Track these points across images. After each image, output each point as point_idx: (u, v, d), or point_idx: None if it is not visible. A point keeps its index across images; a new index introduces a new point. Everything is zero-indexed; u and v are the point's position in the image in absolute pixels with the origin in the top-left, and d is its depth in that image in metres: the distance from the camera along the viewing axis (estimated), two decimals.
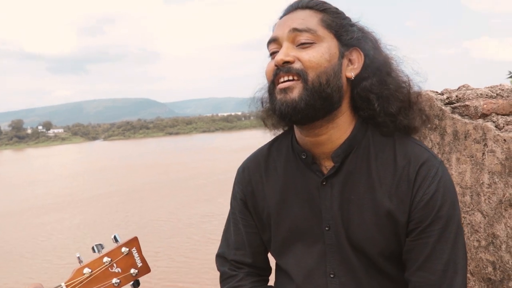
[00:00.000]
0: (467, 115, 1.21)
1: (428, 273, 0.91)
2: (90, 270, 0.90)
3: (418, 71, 0.99)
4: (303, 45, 0.91)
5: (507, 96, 1.19)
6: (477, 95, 1.22)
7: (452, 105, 1.26)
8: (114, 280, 0.93)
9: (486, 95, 1.21)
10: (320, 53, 0.90)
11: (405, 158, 0.94)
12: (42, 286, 0.85)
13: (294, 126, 1.02)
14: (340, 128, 0.97)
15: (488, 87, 1.25)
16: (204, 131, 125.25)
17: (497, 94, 1.20)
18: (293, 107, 0.89)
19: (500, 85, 1.24)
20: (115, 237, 0.98)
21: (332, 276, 0.99)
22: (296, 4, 0.97)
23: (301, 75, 0.89)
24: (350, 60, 0.95)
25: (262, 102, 1.10)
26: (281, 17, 0.99)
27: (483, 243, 1.18)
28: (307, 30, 0.90)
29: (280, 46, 0.93)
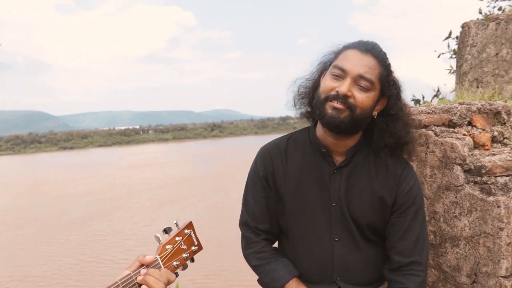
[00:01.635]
0: (413, 126, 1.66)
1: (406, 241, 1.34)
2: (171, 246, 1.16)
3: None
4: (361, 87, 1.27)
5: (439, 113, 1.67)
6: (419, 111, 1.68)
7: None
8: (184, 255, 1.20)
9: (426, 111, 1.67)
10: (369, 99, 1.28)
11: (394, 162, 1.37)
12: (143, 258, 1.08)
13: (320, 128, 1.38)
14: (355, 138, 1.37)
15: (425, 106, 1.73)
16: (100, 145, 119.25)
17: (432, 111, 1.68)
18: (338, 124, 1.27)
19: (433, 105, 1.72)
20: (176, 223, 1.24)
21: (336, 239, 1.37)
22: (370, 48, 1.31)
23: (351, 108, 1.26)
24: (379, 103, 1.34)
25: (299, 99, 1.46)
26: (354, 47, 1.31)
27: (427, 218, 1.63)
28: (368, 81, 1.27)
29: (345, 76, 1.27)
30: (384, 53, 1.33)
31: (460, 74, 2.36)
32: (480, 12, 3.03)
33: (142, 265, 1.07)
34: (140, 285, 1.04)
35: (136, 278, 1.03)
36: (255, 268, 1.48)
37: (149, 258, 1.07)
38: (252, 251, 1.47)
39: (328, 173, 1.38)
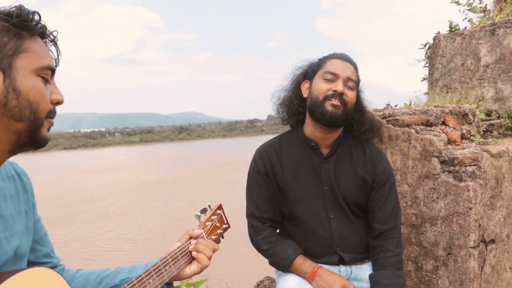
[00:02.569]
0: (397, 125, 1.97)
1: (384, 211, 1.65)
2: (210, 223, 1.41)
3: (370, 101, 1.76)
4: (348, 87, 1.60)
5: (418, 114, 1.98)
6: (402, 113, 1.99)
7: (386, 119, 2.02)
8: (219, 231, 1.45)
9: (407, 113, 1.99)
10: (354, 96, 1.63)
11: (369, 149, 1.68)
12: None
13: (309, 126, 1.68)
14: (338, 132, 1.67)
15: (407, 108, 2.05)
16: (65, 148, 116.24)
17: (413, 113, 1.99)
18: (337, 118, 1.58)
19: (413, 107, 2.04)
20: (209, 205, 1.49)
21: (332, 216, 1.66)
22: (347, 58, 1.67)
23: (345, 103, 1.56)
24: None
25: (282, 107, 1.76)
26: (336, 58, 1.66)
27: (409, 203, 1.94)
28: (354, 81, 1.61)
29: (337, 79, 1.60)
30: (355, 62, 1.69)
31: (432, 80, 2.71)
32: (450, 26, 3.41)
33: (190, 238, 1.32)
34: (190, 252, 1.28)
35: (188, 247, 1.28)
36: (265, 251, 1.73)
37: (197, 231, 1.32)
38: (261, 237, 1.73)
39: (318, 163, 1.68)
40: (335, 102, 1.57)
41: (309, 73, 1.71)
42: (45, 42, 0.97)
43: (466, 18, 3.64)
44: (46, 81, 0.96)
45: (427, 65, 3.49)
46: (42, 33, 0.95)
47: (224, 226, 1.49)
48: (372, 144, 1.75)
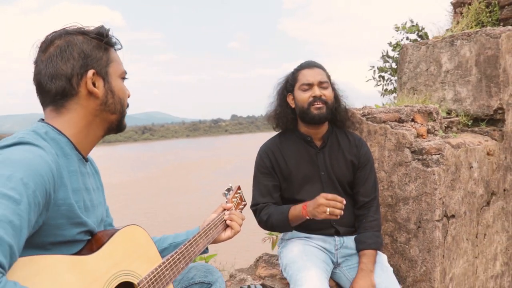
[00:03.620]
0: (375, 122, 2.35)
1: (367, 186, 2.04)
2: (235, 200, 1.74)
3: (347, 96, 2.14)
4: (323, 88, 1.94)
5: (392, 112, 2.37)
6: (379, 111, 2.37)
7: (366, 117, 2.39)
8: (240, 206, 1.78)
9: (383, 111, 2.37)
10: (330, 92, 2.00)
11: (352, 137, 2.06)
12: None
13: (302, 125, 2.04)
14: (325, 127, 2.04)
15: (383, 107, 2.44)
16: None
17: (388, 111, 2.38)
18: (324, 116, 1.96)
19: (388, 106, 2.43)
20: (231, 186, 1.82)
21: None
22: (314, 64, 2.02)
23: (326, 102, 1.92)
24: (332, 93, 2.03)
25: (276, 116, 2.10)
26: (305, 68, 2.02)
27: (386, 186, 2.33)
28: (325, 82, 1.96)
29: (312, 86, 1.95)
30: (321, 64, 2.06)
31: (400, 83, 3.12)
32: (396, 45, 4.01)
33: (224, 210, 1.64)
34: (225, 221, 1.61)
35: (223, 217, 1.60)
36: (267, 220, 2.01)
37: (229, 204, 1.65)
38: (263, 213, 2.06)
39: (314, 154, 2.06)
40: (318, 105, 1.95)
41: (288, 87, 2.08)
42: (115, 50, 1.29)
43: (406, 38, 4.29)
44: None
45: (382, 80, 4.04)
46: (114, 44, 1.27)
47: (243, 203, 1.83)
48: (354, 133, 2.16)
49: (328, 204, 1.74)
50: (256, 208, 2.08)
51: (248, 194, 1.98)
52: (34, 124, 1.18)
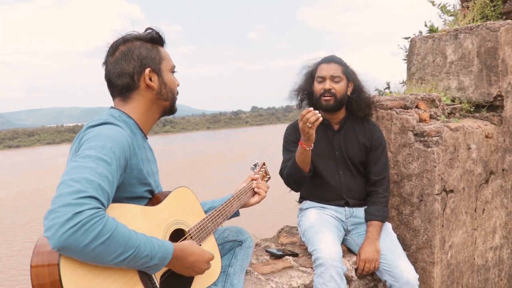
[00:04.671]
0: (382, 108, 2.66)
1: (378, 166, 2.35)
2: (260, 173, 2.09)
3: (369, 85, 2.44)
4: (335, 82, 2.26)
5: (398, 100, 2.68)
6: (386, 99, 2.68)
7: (375, 104, 2.70)
8: (265, 179, 2.13)
9: (390, 99, 2.68)
10: (341, 86, 2.30)
11: (367, 123, 2.37)
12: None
13: (321, 111, 2.36)
14: (342, 113, 2.35)
15: (389, 96, 2.74)
16: (48, 143, 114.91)
17: (394, 99, 2.68)
18: (331, 107, 2.29)
19: (394, 95, 2.74)
20: (257, 162, 2.16)
21: (341, 173, 2.35)
22: (331, 59, 2.34)
23: (334, 95, 2.24)
24: (348, 86, 2.34)
25: (299, 97, 2.43)
26: (323, 62, 2.33)
27: (392, 165, 2.64)
28: (337, 76, 2.27)
29: (324, 79, 2.27)
30: (340, 58, 2.36)
31: (409, 74, 3.41)
32: (425, 25, 4.12)
33: (252, 180, 1.99)
34: (253, 189, 1.96)
35: (252, 185, 1.96)
36: (286, 175, 2.31)
37: (256, 176, 2.00)
38: (283, 173, 2.37)
39: (331, 135, 2.40)
40: (327, 97, 2.29)
41: (312, 75, 2.42)
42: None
43: (441, 18, 4.36)
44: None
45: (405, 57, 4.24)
46: (163, 43, 1.63)
47: (268, 176, 2.17)
48: (370, 120, 2.46)
49: (303, 118, 2.01)
50: (282, 173, 2.43)
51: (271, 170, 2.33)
52: (108, 110, 1.54)
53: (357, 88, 2.41)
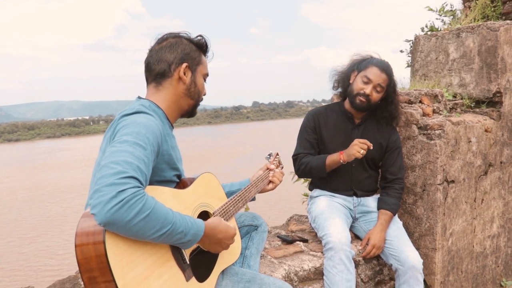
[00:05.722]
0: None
1: (394, 167, 2.51)
2: (275, 162, 2.24)
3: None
4: (376, 91, 2.40)
5: (403, 95, 2.82)
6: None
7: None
8: (279, 168, 2.28)
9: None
10: (379, 97, 2.44)
11: (388, 125, 2.52)
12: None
13: (348, 103, 2.53)
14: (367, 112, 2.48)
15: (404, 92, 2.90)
16: (48, 137, 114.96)
17: (399, 94, 2.83)
18: (360, 108, 2.43)
19: (400, 90, 2.90)
20: (271, 152, 2.32)
21: (353, 165, 2.50)
22: (385, 68, 2.43)
23: (369, 100, 2.39)
24: (383, 95, 2.46)
25: (339, 77, 2.57)
26: (377, 66, 2.42)
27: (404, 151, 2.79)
28: (382, 87, 2.41)
29: (369, 83, 2.40)
30: (392, 70, 2.46)
31: (413, 70, 3.55)
32: (426, 26, 4.27)
33: (267, 168, 2.15)
34: (269, 177, 2.11)
35: (268, 174, 2.11)
36: (305, 167, 2.49)
37: (272, 166, 2.15)
38: (303, 160, 2.53)
39: (350, 128, 2.53)
40: (362, 99, 2.41)
41: (359, 66, 2.50)
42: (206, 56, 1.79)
43: (440, 19, 4.51)
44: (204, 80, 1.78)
45: (409, 55, 4.38)
46: (207, 52, 1.77)
47: (281, 166, 2.33)
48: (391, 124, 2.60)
49: (360, 145, 2.26)
50: (297, 157, 2.57)
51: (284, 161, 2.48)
52: (138, 101, 1.69)
53: (389, 98, 2.50)
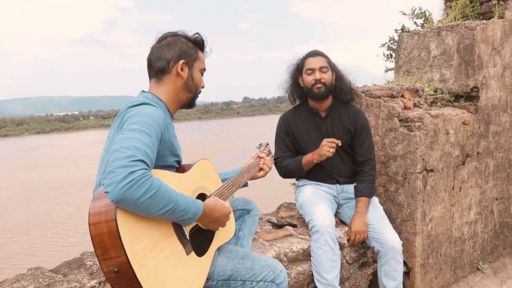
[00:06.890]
0: (372, 97, 2.99)
1: (363, 148, 2.70)
2: (266, 150, 2.41)
3: (351, 74, 2.78)
4: (323, 72, 2.59)
5: (386, 90, 3.01)
6: (375, 89, 3.01)
7: (365, 93, 3.04)
8: (270, 155, 2.45)
9: (378, 89, 3.01)
10: (329, 75, 2.62)
11: (352, 109, 2.71)
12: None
13: (310, 100, 2.70)
14: (328, 101, 2.68)
15: (378, 86, 3.08)
16: (38, 132, 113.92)
17: (382, 89, 3.02)
18: (323, 94, 2.60)
19: (382, 85, 3.08)
20: (262, 142, 2.49)
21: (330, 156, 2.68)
22: (317, 53, 2.65)
23: (325, 84, 2.57)
24: (333, 75, 2.67)
25: (290, 92, 2.76)
26: (310, 56, 2.64)
27: (380, 147, 2.98)
28: (325, 67, 2.60)
29: (314, 71, 2.60)
30: (323, 52, 2.67)
31: (397, 66, 3.75)
32: (402, 29, 4.52)
33: (258, 156, 2.32)
34: (260, 164, 2.29)
35: (259, 161, 2.28)
36: (285, 169, 2.72)
37: (262, 154, 2.33)
38: (283, 163, 2.74)
39: (319, 123, 2.73)
40: (318, 85, 2.60)
41: (298, 70, 2.73)
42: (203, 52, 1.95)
43: (413, 22, 4.79)
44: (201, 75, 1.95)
45: (390, 58, 4.59)
46: (203, 49, 1.93)
47: (271, 155, 2.50)
48: (354, 105, 2.79)
49: (329, 144, 2.46)
50: (277, 161, 2.76)
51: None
52: (142, 94, 1.84)
53: (339, 76, 2.72)
